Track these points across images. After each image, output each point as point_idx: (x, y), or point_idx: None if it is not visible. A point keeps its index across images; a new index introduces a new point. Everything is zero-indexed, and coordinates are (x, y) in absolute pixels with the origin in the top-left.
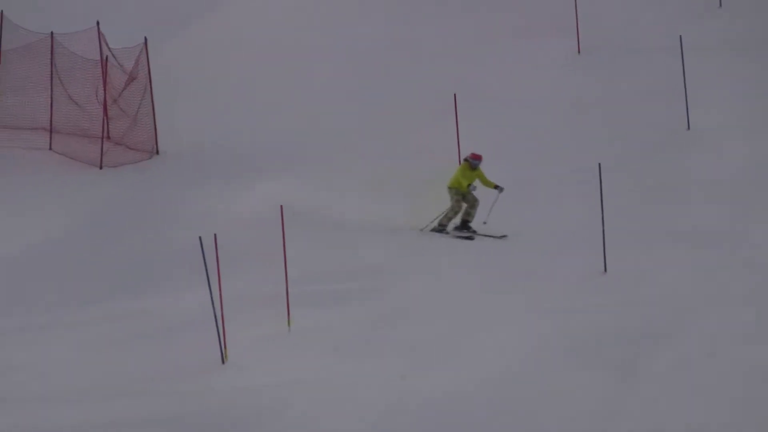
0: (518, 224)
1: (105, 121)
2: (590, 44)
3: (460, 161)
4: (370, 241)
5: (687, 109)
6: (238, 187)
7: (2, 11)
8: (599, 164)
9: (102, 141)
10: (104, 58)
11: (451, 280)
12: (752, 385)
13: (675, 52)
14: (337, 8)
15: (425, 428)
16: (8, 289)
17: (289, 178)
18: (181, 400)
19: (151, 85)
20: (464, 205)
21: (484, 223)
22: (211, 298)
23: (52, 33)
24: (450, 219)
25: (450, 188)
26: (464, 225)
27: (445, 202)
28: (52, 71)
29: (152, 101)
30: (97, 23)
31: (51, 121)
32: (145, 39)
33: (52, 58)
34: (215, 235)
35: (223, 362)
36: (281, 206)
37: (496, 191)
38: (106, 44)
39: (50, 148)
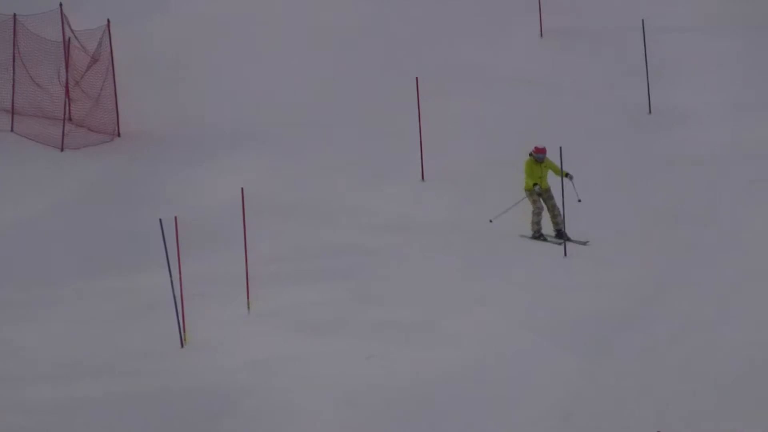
0: (490, 209)
1: (67, 102)
2: (553, 27)
3: (421, 144)
4: (341, 223)
5: (648, 92)
6: (200, 169)
7: None
8: (560, 148)
9: (63, 123)
10: (67, 39)
11: (424, 262)
12: (721, 367)
13: (638, 34)
14: None
15: (392, 409)
16: None
17: (253, 160)
18: (142, 380)
19: (113, 66)
20: (544, 206)
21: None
22: (171, 280)
23: (14, 14)
24: (538, 222)
25: (525, 191)
26: (558, 234)
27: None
28: (14, 52)
29: (114, 83)
30: (60, 5)
31: (12, 102)
32: (108, 21)
33: (14, 40)
34: (175, 217)
35: (182, 345)
36: (242, 189)
37: (567, 179)
38: (69, 26)
39: (11, 130)
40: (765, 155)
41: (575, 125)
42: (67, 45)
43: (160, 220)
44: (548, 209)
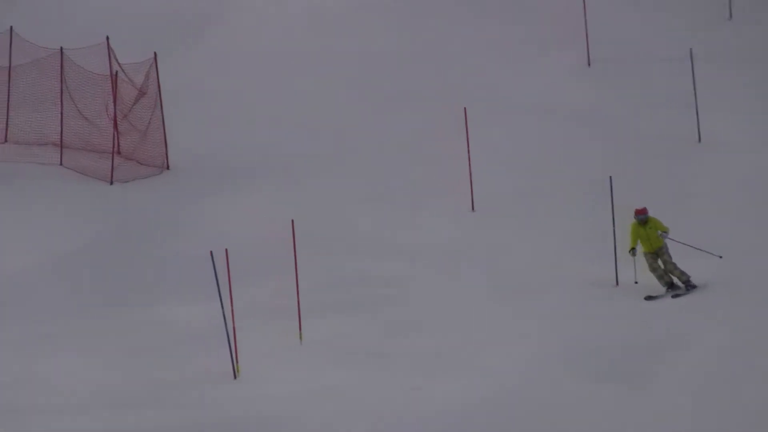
0: (536, 240)
1: (115, 136)
2: (600, 56)
3: (471, 171)
4: (382, 253)
5: (698, 120)
6: (248, 200)
7: (12, 27)
8: (610, 177)
9: (112, 156)
10: (114, 73)
11: (462, 291)
12: (762, 394)
13: (685, 64)
14: (346, 20)
15: None
16: (21, 301)
17: (299, 190)
18: (192, 411)
19: (161, 99)
20: (660, 266)
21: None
22: (222, 311)
23: (61, 48)
24: (661, 276)
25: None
26: (687, 285)
27: None
28: (62, 87)
29: (162, 116)
30: (107, 38)
31: (61, 136)
32: (155, 54)
33: (62, 74)
34: (226, 249)
35: (235, 376)
36: (292, 220)
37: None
38: (116, 59)
39: (60, 164)
40: None
41: (624, 154)
42: (114, 78)
43: (211, 252)
44: (665, 267)
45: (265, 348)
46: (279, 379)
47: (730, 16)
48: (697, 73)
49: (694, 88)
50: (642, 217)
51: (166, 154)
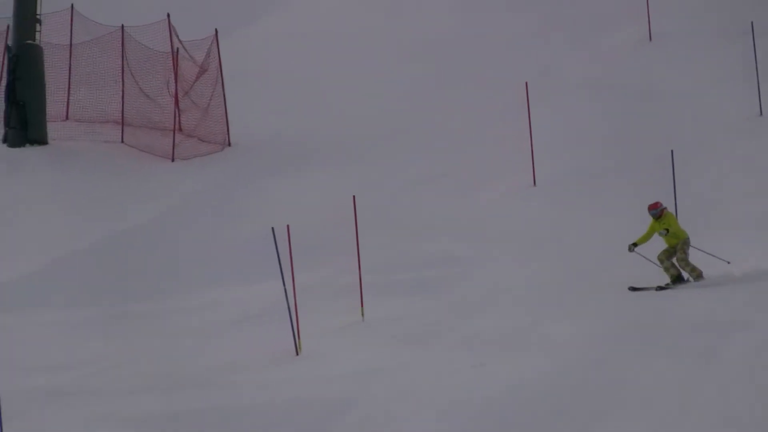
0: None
1: (177, 113)
2: (661, 30)
3: (533, 151)
4: (443, 232)
5: (759, 94)
6: (310, 178)
7: (72, 5)
8: (672, 151)
9: (174, 133)
10: (175, 50)
11: (526, 270)
12: None
13: (747, 37)
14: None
15: (497, 417)
16: (84, 281)
17: (361, 170)
18: (254, 390)
19: (222, 76)
20: (673, 262)
21: (728, 263)
22: (285, 289)
23: (122, 26)
24: (668, 270)
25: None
26: (676, 280)
27: None
28: (123, 64)
29: (224, 93)
30: (168, 15)
31: (122, 114)
32: (216, 31)
33: (123, 51)
34: (288, 226)
35: (297, 353)
36: (353, 196)
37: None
38: (177, 36)
39: (122, 141)
40: None
41: (686, 129)
42: (175, 55)
43: (273, 228)
44: (678, 264)
45: (327, 326)
46: (341, 358)
47: None
48: (758, 47)
49: (756, 62)
50: (655, 212)
51: (228, 132)
